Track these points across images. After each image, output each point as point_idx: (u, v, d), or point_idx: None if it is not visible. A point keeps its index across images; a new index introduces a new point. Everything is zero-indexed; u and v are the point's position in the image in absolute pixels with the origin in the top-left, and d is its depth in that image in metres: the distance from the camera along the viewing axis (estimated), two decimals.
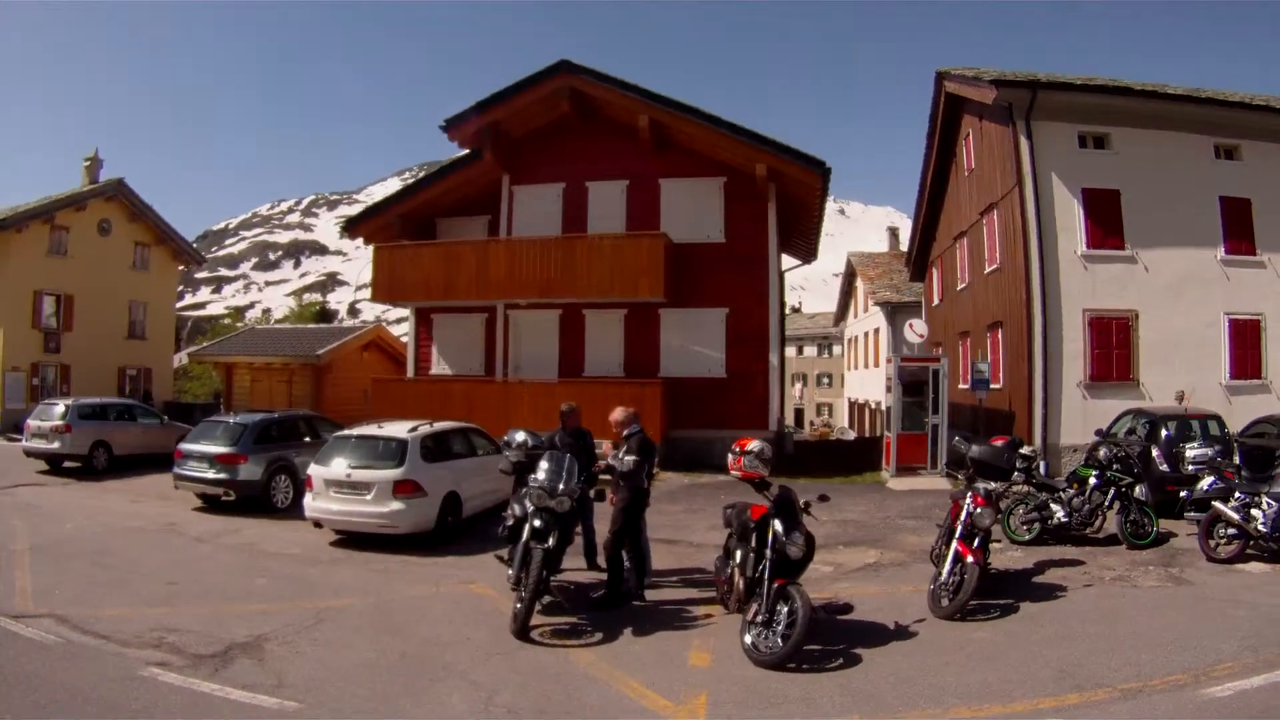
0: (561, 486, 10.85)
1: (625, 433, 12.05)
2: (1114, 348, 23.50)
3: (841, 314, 66.14)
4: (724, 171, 27.80)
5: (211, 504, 19.33)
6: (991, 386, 25.88)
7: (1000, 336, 27.12)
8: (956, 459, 12.99)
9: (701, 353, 27.39)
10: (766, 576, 9.31)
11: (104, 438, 25.45)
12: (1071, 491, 15.20)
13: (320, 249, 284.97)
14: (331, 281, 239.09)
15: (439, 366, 30.19)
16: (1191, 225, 23.67)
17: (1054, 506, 14.89)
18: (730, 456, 10.42)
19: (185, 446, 19.74)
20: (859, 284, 57.46)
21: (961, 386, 28.01)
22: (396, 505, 14.82)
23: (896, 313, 47.21)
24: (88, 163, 44.77)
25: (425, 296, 28.75)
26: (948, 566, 10.91)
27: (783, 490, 9.95)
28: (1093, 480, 15.17)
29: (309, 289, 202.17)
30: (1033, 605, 11.05)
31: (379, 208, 31.15)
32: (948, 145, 33.35)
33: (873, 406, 53.79)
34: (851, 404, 64.82)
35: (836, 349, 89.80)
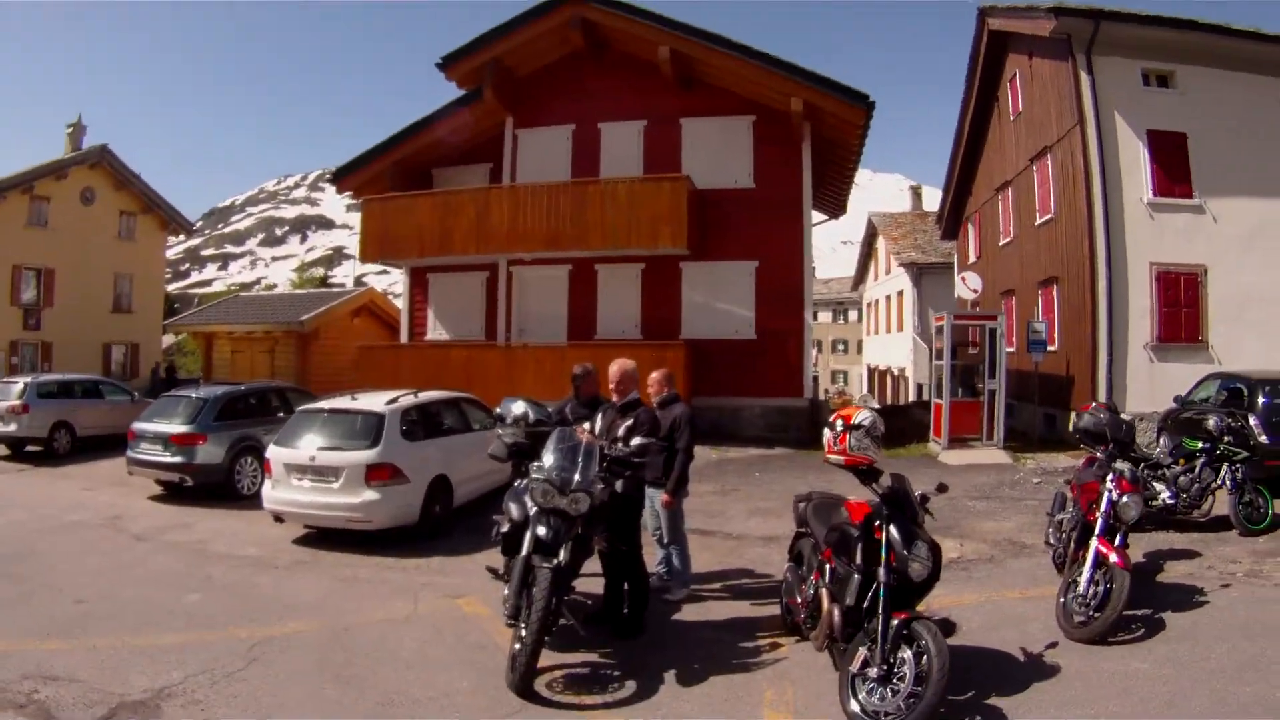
0: (577, 478, 7.88)
1: (627, 398, 9.27)
2: (1182, 306, 21.44)
3: (860, 277, 63.94)
4: (753, 109, 25.21)
5: (173, 491, 16.89)
6: (1048, 349, 23.68)
7: (1055, 294, 24.95)
8: (1094, 432, 10.28)
9: (728, 311, 24.89)
10: (881, 609, 6.50)
11: (66, 418, 23.17)
12: (1178, 468, 12.86)
13: (327, 223, 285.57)
14: (338, 255, 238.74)
15: (436, 331, 27.75)
16: (1261, 174, 21.53)
17: (1157, 486, 12.24)
18: (827, 434, 7.44)
19: (139, 425, 17.28)
20: (880, 245, 55.33)
21: (1007, 349, 25.53)
22: (370, 494, 12.19)
23: (923, 274, 45.77)
24: (70, 129, 42.64)
25: (419, 253, 26.15)
26: (1087, 572, 8.40)
27: (896, 481, 7.11)
28: (1202, 456, 12.87)
29: (315, 263, 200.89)
30: (1177, 616, 8.67)
31: (369, 156, 28.19)
32: (988, 90, 31.18)
33: (895, 373, 52.33)
34: (871, 370, 62.90)
35: (852, 315, 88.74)
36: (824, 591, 7.27)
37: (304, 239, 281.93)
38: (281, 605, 9.77)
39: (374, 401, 13.56)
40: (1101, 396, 20.51)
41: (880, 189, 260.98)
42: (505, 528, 8.16)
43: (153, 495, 16.93)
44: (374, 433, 12.68)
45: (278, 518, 13.08)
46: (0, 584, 10.71)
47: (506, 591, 7.64)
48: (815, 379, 57.88)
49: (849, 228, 71.57)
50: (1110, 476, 8.88)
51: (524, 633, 7.09)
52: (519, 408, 9.35)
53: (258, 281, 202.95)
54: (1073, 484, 10.24)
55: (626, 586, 8.81)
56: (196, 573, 11.23)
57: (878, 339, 59.13)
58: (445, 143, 27.58)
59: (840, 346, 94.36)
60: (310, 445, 12.84)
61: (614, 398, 9.33)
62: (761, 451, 21.58)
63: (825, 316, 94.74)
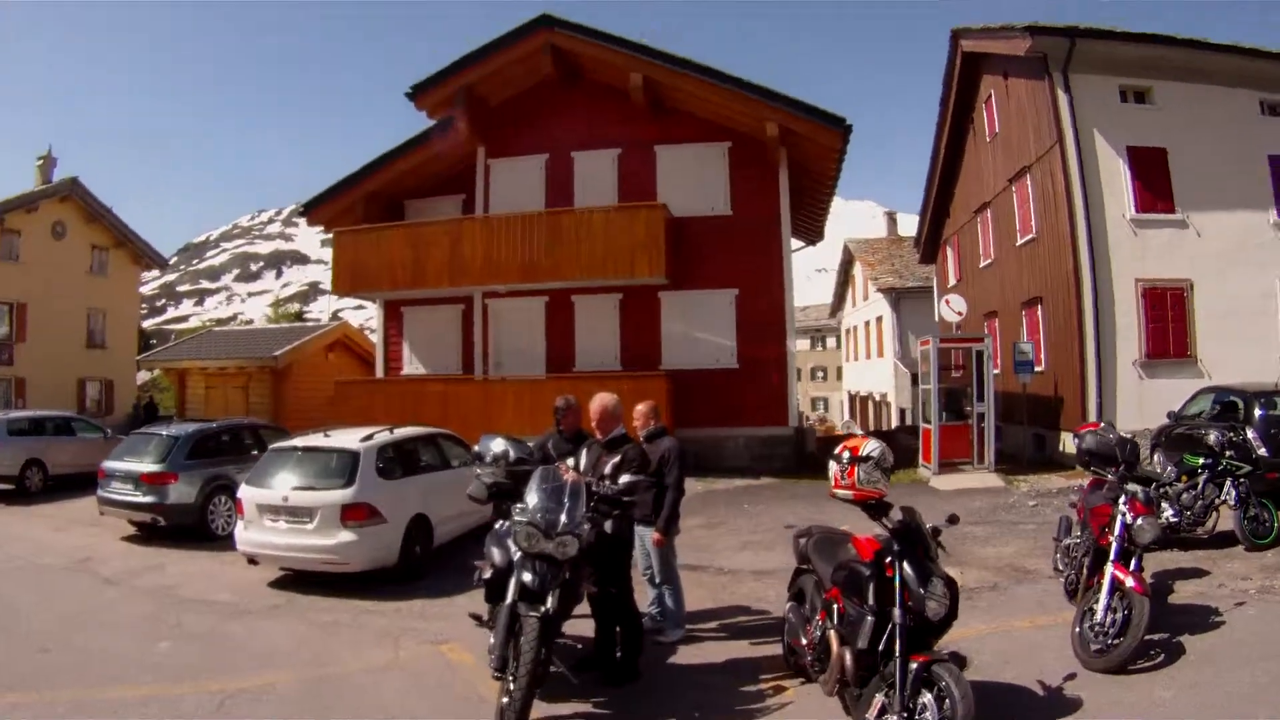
0: (564, 519, 7.37)
1: (611, 434, 8.82)
2: (1169, 321, 21.35)
3: (838, 304, 64.21)
4: (728, 135, 24.99)
5: (147, 531, 16.38)
6: (1035, 369, 23.37)
7: (1040, 314, 24.77)
8: (1101, 454, 9.88)
9: (708, 340, 24.51)
10: (898, 651, 5.98)
11: (38, 455, 22.65)
12: (1180, 486, 12.58)
13: (302, 259, 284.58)
14: (314, 291, 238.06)
15: (411, 365, 27.22)
16: (1241, 187, 21.63)
17: (1161, 504, 11.94)
18: (833, 467, 6.92)
19: (109, 464, 16.76)
20: (857, 271, 55.55)
21: (993, 372, 25.36)
22: (346, 536, 11.65)
23: (901, 299, 45.99)
24: (40, 162, 42.40)
25: (391, 285, 25.64)
26: (1103, 599, 8.00)
27: (907, 515, 6.56)
28: (1204, 472, 12.59)
29: (291, 299, 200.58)
30: (1195, 639, 8.31)
31: (340, 188, 27.70)
32: (963, 113, 31.14)
33: (876, 398, 52.26)
34: (851, 397, 62.84)
35: (830, 341, 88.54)
36: (832, 633, 6.79)
37: (279, 274, 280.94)
38: (255, 654, 9.28)
39: (348, 439, 13.06)
40: (1092, 415, 20.54)
41: (853, 216, 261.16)
42: (487, 574, 7.58)
43: (125, 536, 16.39)
44: (349, 471, 12.19)
45: (252, 560, 12.49)
46: None
47: (492, 640, 7.04)
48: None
49: (824, 256, 71.68)
50: (1123, 499, 8.53)
51: (512, 686, 6.58)
52: (499, 446, 8.70)
53: (234, 317, 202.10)
54: (1079, 507, 9.92)
55: (619, 630, 8.34)
56: (167, 619, 10.71)
57: (857, 365, 59.05)
58: (417, 173, 27.22)
59: (819, 374, 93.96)
60: (283, 485, 12.34)
61: (596, 435, 8.92)
62: (748, 482, 21.21)
63: (803, 344, 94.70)
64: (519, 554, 7.27)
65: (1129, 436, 10.12)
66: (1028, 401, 23.30)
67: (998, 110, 27.71)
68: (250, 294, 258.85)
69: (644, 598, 9.36)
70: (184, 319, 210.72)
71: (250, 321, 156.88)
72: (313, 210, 28.26)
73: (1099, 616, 7.93)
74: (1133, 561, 8.19)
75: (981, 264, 30.43)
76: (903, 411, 42.46)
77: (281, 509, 12.06)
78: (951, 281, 35.04)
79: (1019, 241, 25.95)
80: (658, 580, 9.35)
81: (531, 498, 7.54)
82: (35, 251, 39.80)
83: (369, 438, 13.00)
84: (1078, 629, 8.10)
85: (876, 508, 6.63)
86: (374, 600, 11.32)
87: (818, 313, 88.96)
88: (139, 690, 8.16)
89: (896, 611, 6.10)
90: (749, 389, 24.05)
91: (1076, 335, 21.60)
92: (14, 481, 22.04)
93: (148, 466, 16.18)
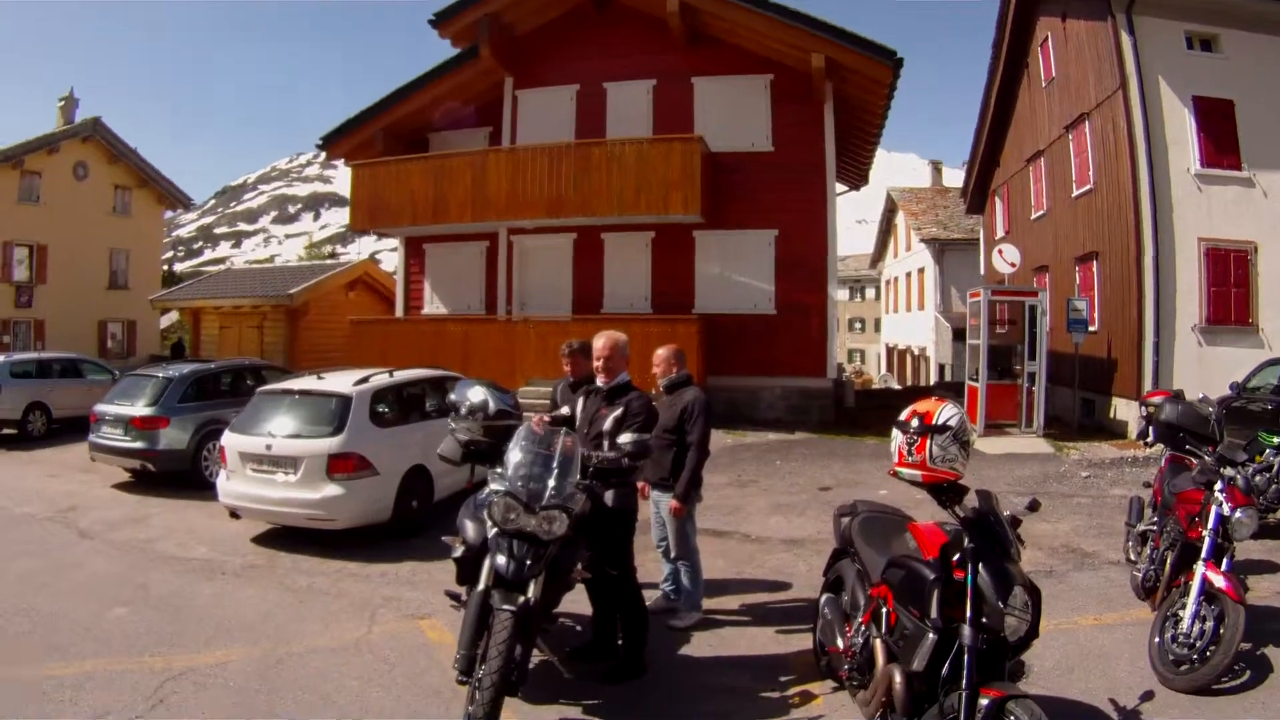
0: (551, 487, 6.01)
1: (615, 381, 7.44)
2: (1232, 285, 20.04)
3: (879, 254, 63.35)
4: (770, 68, 23.65)
5: (140, 478, 15.60)
6: (1088, 329, 22.06)
7: (1095, 270, 23.48)
8: (1193, 430, 8.45)
9: (745, 283, 23.38)
10: (965, 683, 4.54)
11: (41, 399, 22.16)
12: (1253, 466, 10.84)
13: (340, 201, 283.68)
14: (351, 233, 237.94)
15: (432, 305, 26.31)
16: None
17: None
18: (898, 438, 5.35)
19: (100, 408, 16.08)
20: (900, 221, 54.46)
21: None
22: (332, 489, 10.60)
23: (945, 251, 44.77)
24: (62, 103, 41.74)
25: (412, 221, 24.58)
26: (1191, 605, 6.73)
27: (983, 502, 5.06)
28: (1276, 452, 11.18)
29: (328, 240, 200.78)
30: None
31: (360, 120, 26.55)
32: (1017, 57, 29.81)
33: (915, 352, 51.40)
34: (890, 350, 62.04)
35: (869, 292, 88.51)
36: (878, 643, 5.36)
37: (317, 216, 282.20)
38: (215, 624, 8.24)
39: (341, 382, 11.98)
40: (1148, 381, 19.46)
41: (896, 168, 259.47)
42: (458, 552, 6.31)
43: (118, 483, 15.61)
44: (338, 418, 11.12)
45: (234, 514, 11.54)
46: None
47: (460, 632, 5.75)
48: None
49: (865, 206, 70.79)
50: (1219, 485, 7.26)
51: (478, 691, 5.32)
52: (477, 395, 7.15)
53: (271, 259, 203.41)
54: (1156, 489, 8.70)
55: (620, 617, 7.18)
56: (134, 579, 9.76)
57: (897, 317, 58.26)
58: (441, 105, 26.11)
59: (857, 325, 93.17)
60: (268, 432, 11.33)
61: (600, 378, 7.52)
62: (782, 436, 20.14)
63: (842, 294, 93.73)
64: (493, 531, 5.96)
65: (1205, 410, 8.82)
66: (1080, 363, 22.06)
67: (1055, 53, 26.41)
68: (288, 236, 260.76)
69: (657, 571, 8.40)
70: (222, 260, 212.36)
71: (288, 263, 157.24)
72: (332, 144, 27.16)
73: (1185, 625, 6.72)
74: (1225, 560, 6.96)
75: (1033, 215, 29.21)
76: (942, 367, 41.53)
77: (265, 458, 11.08)
78: (1000, 233, 33.73)
79: (1075, 193, 24.72)
80: (673, 555, 8.18)
81: (513, 460, 6.23)
82: (56, 193, 39.39)
83: (363, 381, 11.96)
84: (1157, 639, 6.88)
85: (949, 492, 5.16)
86: (361, 562, 10.31)
87: (857, 263, 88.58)
88: (79, 665, 7.23)
89: (967, 630, 4.63)
90: (787, 337, 22.99)
91: (1135, 294, 20.38)
92: (16, 426, 21.58)
93: (139, 410, 15.46)
